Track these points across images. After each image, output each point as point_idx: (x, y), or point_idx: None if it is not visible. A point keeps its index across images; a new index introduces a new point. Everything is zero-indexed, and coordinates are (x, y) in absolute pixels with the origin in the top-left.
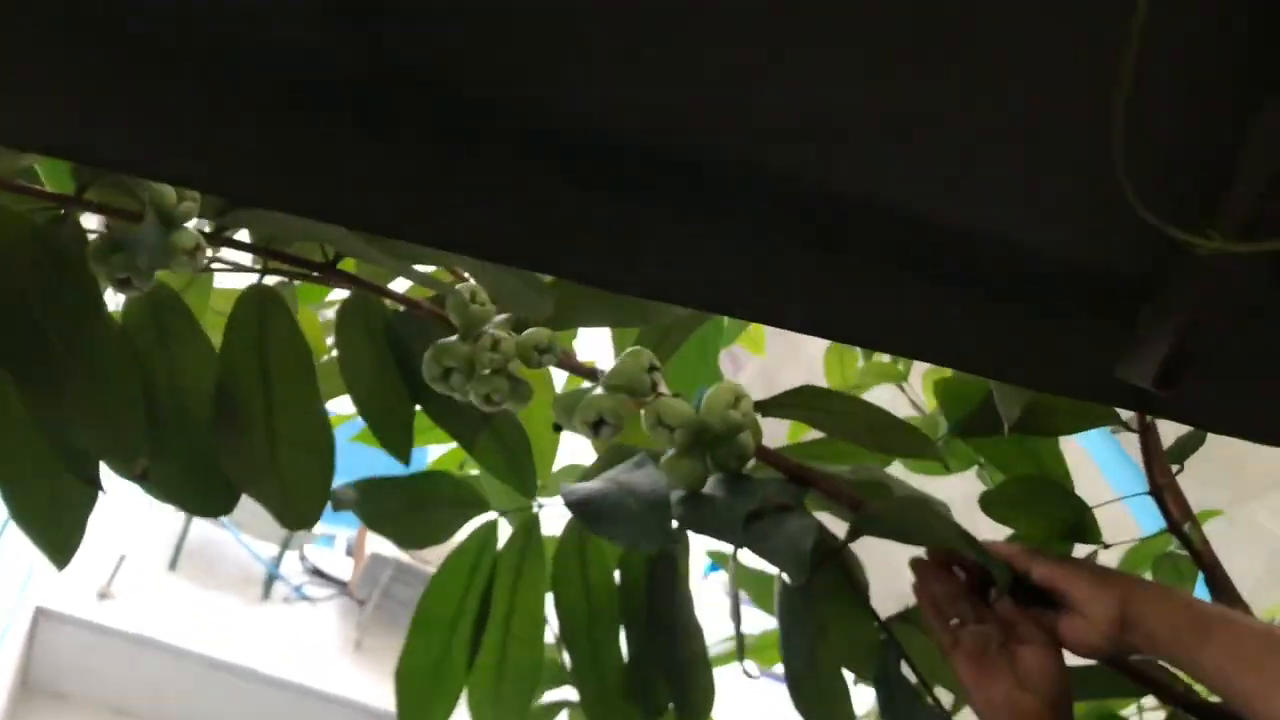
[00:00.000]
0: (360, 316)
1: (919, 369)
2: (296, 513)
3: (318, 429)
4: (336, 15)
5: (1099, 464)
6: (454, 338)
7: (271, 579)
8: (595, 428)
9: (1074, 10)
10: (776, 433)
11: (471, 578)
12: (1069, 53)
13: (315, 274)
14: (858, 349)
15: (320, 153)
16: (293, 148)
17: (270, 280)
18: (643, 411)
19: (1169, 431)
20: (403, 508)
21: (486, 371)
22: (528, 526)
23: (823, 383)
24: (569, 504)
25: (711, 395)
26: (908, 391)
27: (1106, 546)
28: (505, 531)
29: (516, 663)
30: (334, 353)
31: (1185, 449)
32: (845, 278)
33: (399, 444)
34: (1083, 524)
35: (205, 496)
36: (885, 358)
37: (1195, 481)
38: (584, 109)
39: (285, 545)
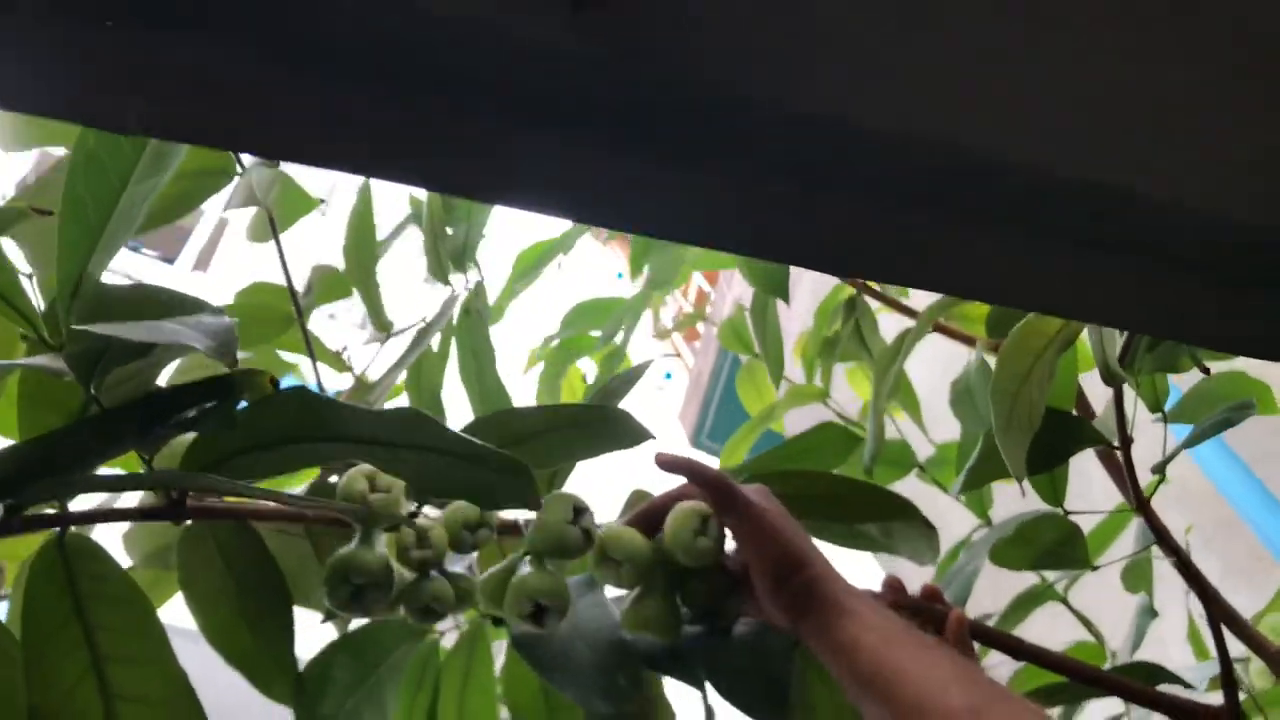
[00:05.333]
0: (208, 542)
1: (839, 381)
2: None
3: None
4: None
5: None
6: (353, 544)
7: None
8: (536, 618)
9: None
10: None
11: (415, 698)
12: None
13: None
14: (769, 375)
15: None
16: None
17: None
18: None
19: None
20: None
21: (412, 577)
22: (473, 635)
23: None
24: (518, 644)
25: (674, 521)
26: (832, 407)
27: (1095, 568)
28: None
29: None
30: None
31: (1166, 461)
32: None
33: (278, 689)
34: (1072, 548)
35: None
36: (803, 379)
37: (1257, 433)
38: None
39: None
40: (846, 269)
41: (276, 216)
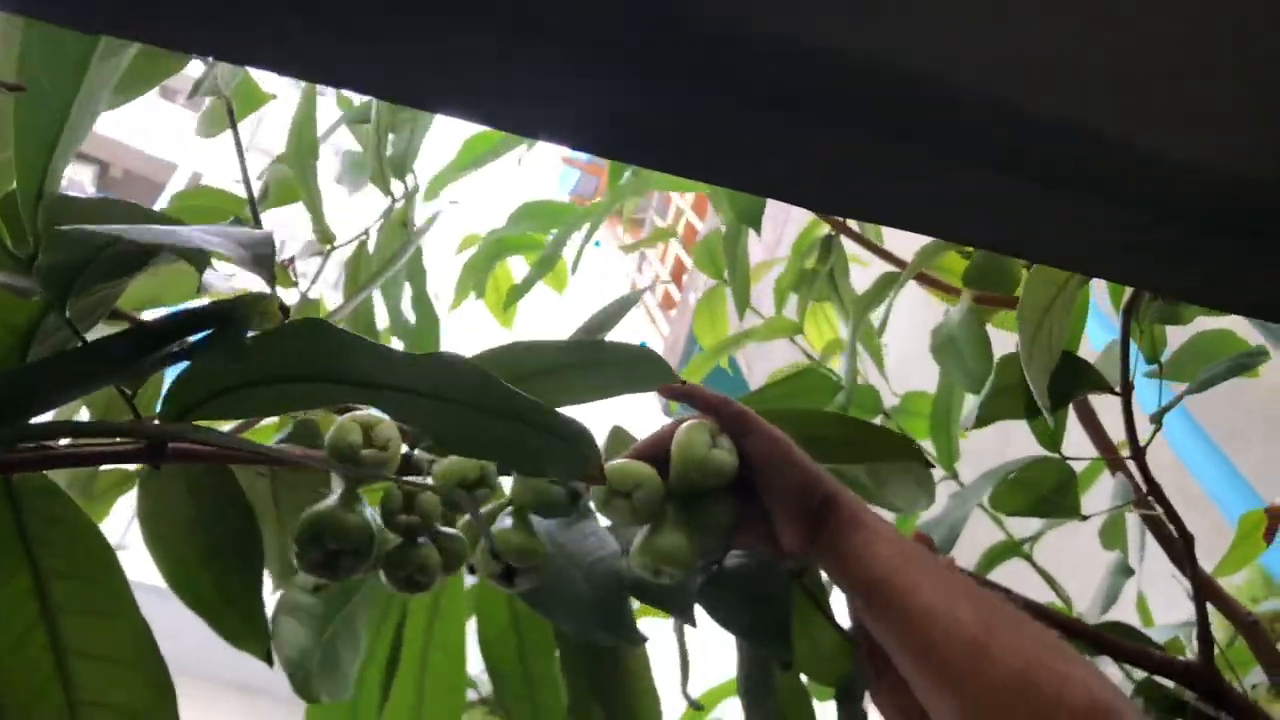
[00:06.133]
0: (178, 482)
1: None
2: None
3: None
4: None
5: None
6: (333, 500)
7: None
8: (506, 578)
9: None
10: None
11: (382, 621)
12: None
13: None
14: (735, 304)
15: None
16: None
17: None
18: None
19: None
20: None
21: (401, 534)
22: None
23: None
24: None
25: (683, 440)
26: (799, 343)
27: (1084, 518)
28: None
29: (434, 705)
30: None
31: (1164, 411)
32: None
33: (246, 639)
34: (1065, 496)
35: None
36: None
37: (1227, 414)
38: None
39: None
40: (827, 205)
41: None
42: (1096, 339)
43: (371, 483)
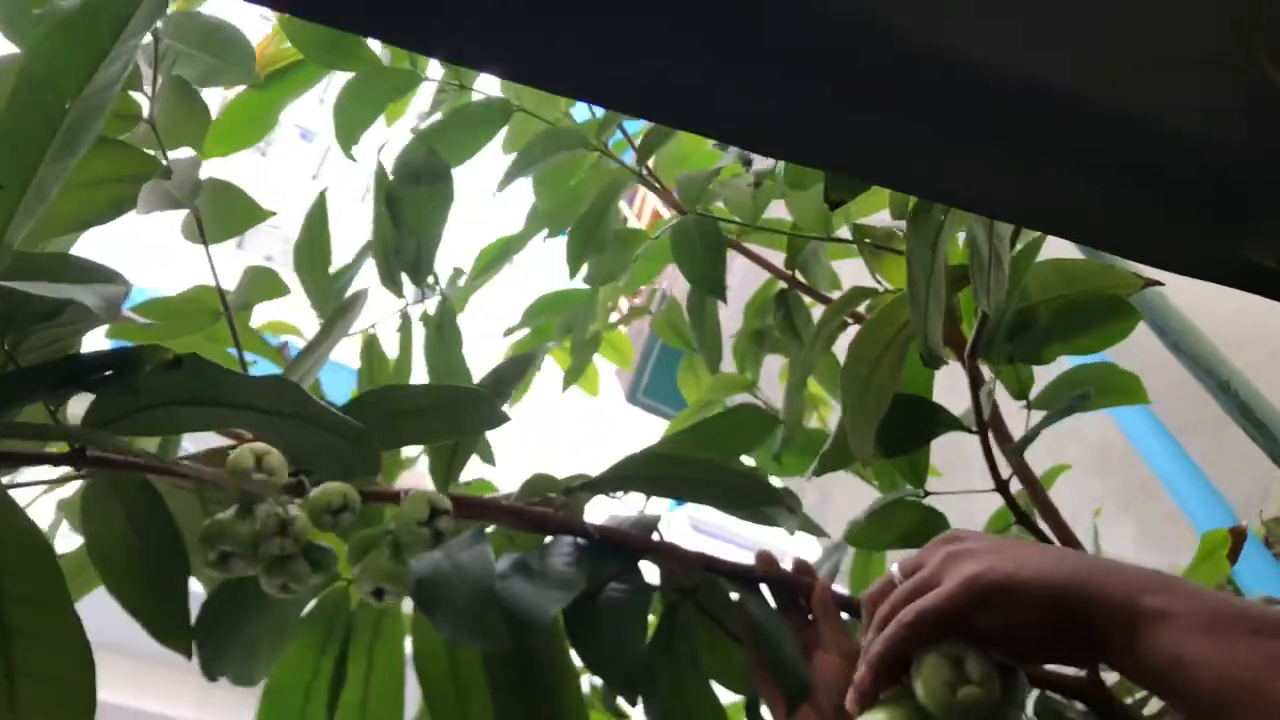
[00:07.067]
0: (111, 497)
1: (769, 374)
2: None
3: (75, 658)
4: None
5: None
6: (230, 512)
7: None
8: (377, 595)
9: None
10: None
11: (325, 643)
12: None
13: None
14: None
15: None
16: None
17: None
18: None
19: None
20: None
21: (277, 552)
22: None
23: None
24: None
25: (924, 681)
26: (759, 396)
27: None
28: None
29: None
30: None
31: (1023, 444)
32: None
33: (175, 639)
34: (932, 529)
35: None
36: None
37: (1180, 403)
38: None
39: None
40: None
41: (220, 222)
42: None
43: (262, 499)
